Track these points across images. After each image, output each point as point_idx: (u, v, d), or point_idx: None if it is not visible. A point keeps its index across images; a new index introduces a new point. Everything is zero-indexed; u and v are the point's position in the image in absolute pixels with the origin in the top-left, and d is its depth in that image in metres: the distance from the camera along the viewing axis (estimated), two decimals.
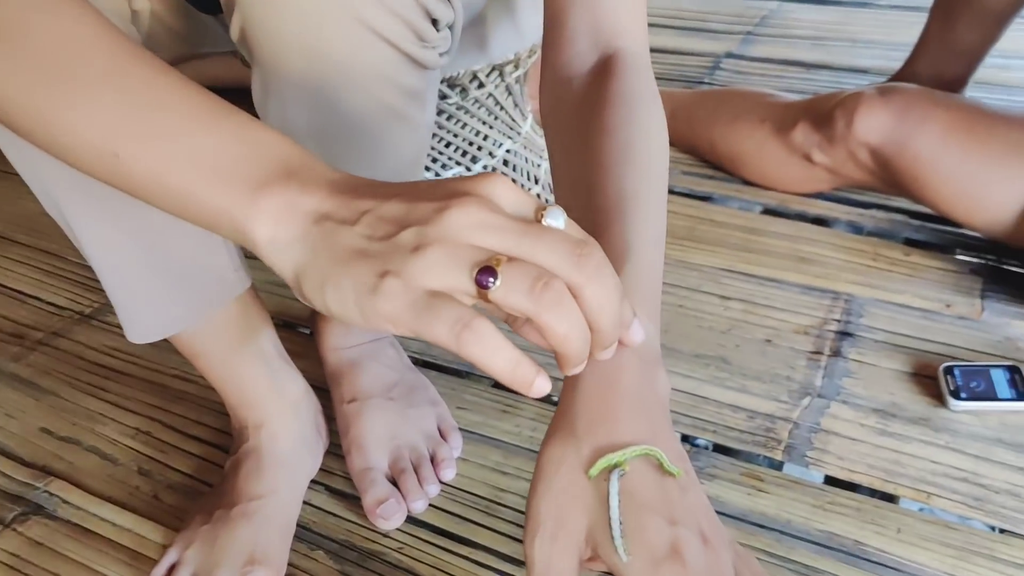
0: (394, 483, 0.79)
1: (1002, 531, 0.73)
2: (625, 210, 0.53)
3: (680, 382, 0.89)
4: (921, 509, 0.75)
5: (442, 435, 0.83)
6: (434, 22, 0.60)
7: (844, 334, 0.94)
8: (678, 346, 0.94)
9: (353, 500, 0.80)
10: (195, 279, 0.69)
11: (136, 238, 0.64)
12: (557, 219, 0.40)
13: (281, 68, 0.57)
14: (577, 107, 0.60)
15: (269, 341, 0.78)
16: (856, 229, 1.11)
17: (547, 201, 1.12)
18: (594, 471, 0.44)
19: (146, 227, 0.64)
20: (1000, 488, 0.76)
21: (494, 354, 0.37)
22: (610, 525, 0.43)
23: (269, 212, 0.40)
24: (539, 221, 0.40)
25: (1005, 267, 1.02)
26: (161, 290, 0.68)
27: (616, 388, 0.47)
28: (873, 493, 0.77)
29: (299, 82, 0.57)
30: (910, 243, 1.08)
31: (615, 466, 0.44)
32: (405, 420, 0.82)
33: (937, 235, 1.09)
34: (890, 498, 0.76)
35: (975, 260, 1.04)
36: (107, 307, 1.03)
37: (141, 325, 0.69)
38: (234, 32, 0.57)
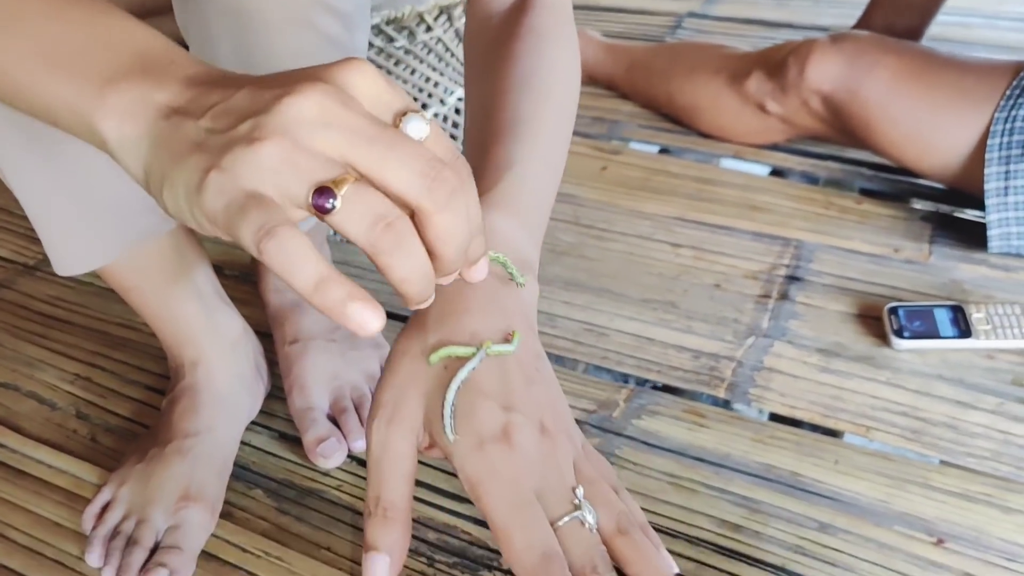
0: (335, 423, 0.78)
1: (941, 462, 0.73)
2: (516, 131, 0.53)
3: (626, 324, 0.89)
4: (860, 442, 0.75)
5: None
6: None
7: (792, 278, 0.94)
8: (627, 291, 0.93)
9: (294, 441, 0.79)
10: (121, 211, 0.68)
11: (58, 168, 0.62)
12: (419, 128, 0.35)
13: None
14: (491, 40, 0.61)
15: (205, 278, 0.77)
16: (810, 179, 1.11)
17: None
18: (434, 358, 0.44)
19: (67, 157, 0.62)
20: (938, 421, 0.76)
21: (296, 267, 0.32)
22: (443, 406, 0.43)
23: (117, 108, 0.37)
24: (396, 126, 0.36)
25: (956, 215, 1.02)
26: (86, 222, 0.67)
27: (473, 287, 0.46)
28: (814, 428, 0.77)
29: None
30: (863, 192, 1.08)
31: (460, 358, 0.44)
32: (347, 361, 0.81)
33: (890, 184, 1.09)
34: (830, 432, 0.76)
35: (927, 208, 1.04)
36: None
37: (67, 258, 0.68)
38: None
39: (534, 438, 0.43)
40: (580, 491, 0.44)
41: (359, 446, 0.76)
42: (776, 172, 1.12)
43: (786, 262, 0.96)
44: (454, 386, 0.43)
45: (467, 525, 0.71)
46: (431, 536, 0.71)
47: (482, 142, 0.53)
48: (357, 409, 0.79)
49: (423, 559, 0.69)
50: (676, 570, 0.44)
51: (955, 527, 0.68)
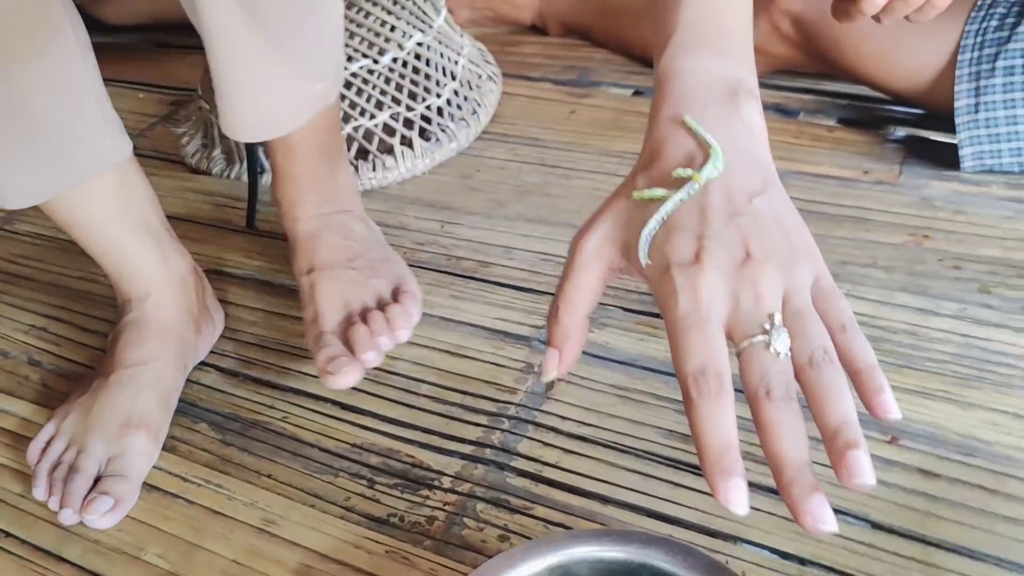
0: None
1: (899, 366, 0.70)
2: None
3: None
4: None
5: (396, 298, 0.77)
6: None
7: None
8: None
9: (244, 377, 0.78)
10: (63, 144, 0.67)
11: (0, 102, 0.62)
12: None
13: None
14: None
15: (153, 214, 0.76)
16: (783, 112, 1.08)
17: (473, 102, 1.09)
18: (636, 194, 0.44)
19: (8, 89, 0.62)
20: (898, 329, 0.73)
21: None
22: (641, 235, 0.43)
23: None
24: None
25: (930, 138, 0.99)
26: (28, 155, 0.66)
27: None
28: None
29: None
30: (837, 121, 1.05)
31: (662, 199, 0.43)
32: (362, 287, 0.77)
33: (864, 112, 1.05)
34: None
35: (900, 134, 1.01)
36: (13, 216, 1.01)
37: (10, 193, 0.68)
38: None
39: (728, 262, 0.41)
40: (778, 317, 0.40)
41: (369, 358, 0.70)
42: None
43: None
44: (658, 215, 0.43)
45: (410, 448, 0.70)
46: (373, 460, 0.69)
47: None
48: (365, 323, 0.73)
49: (364, 481, 0.68)
50: (893, 415, 0.40)
51: (911, 424, 0.65)
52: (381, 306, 0.75)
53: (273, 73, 0.70)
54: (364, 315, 0.74)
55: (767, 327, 0.40)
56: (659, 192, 0.44)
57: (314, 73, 0.72)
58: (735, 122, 0.46)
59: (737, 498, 0.37)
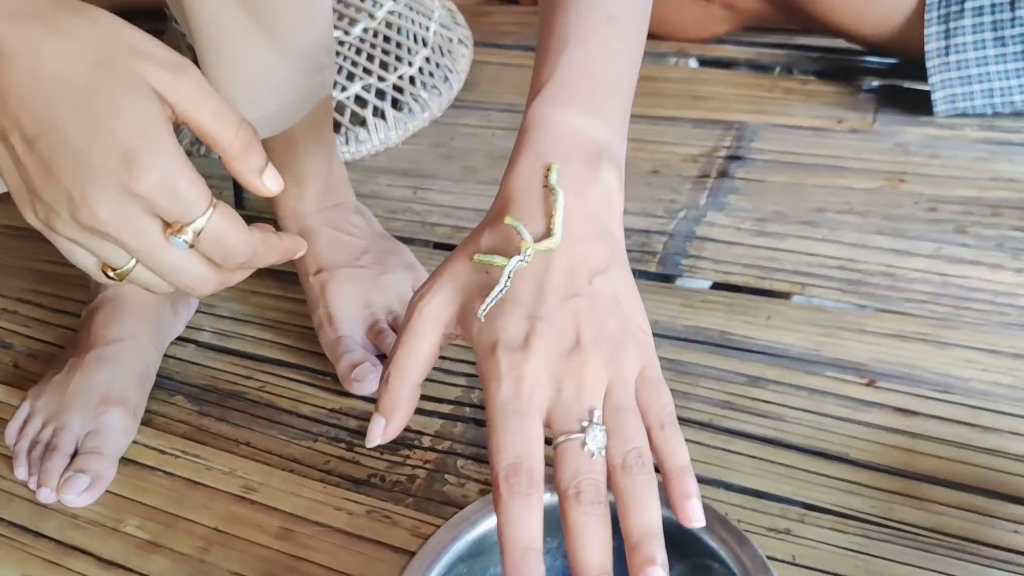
0: (374, 351, 0.73)
1: (876, 309, 0.70)
2: (573, 6, 0.49)
3: None
4: (796, 300, 0.72)
5: None
6: None
7: (733, 158, 0.91)
8: None
9: (220, 350, 0.77)
10: None
11: None
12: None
13: None
14: None
15: None
16: (756, 67, 1.07)
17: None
18: (477, 258, 0.43)
19: None
20: (875, 271, 0.73)
21: None
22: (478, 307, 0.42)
23: None
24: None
25: (904, 86, 0.98)
26: None
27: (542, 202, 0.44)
28: (749, 292, 0.74)
29: None
30: (810, 74, 1.04)
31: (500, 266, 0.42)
32: (378, 287, 0.75)
33: (837, 64, 1.05)
34: (763, 293, 0.73)
35: (873, 84, 1.00)
36: None
37: None
38: None
39: (558, 350, 0.41)
40: (597, 414, 0.40)
41: None
42: (721, 63, 1.09)
43: (727, 144, 0.93)
44: (494, 292, 0.42)
45: None
46: (351, 424, 0.69)
47: (539, 35, 0.49)
48: (394, 331, 0.73)
49: (342, 445, 0.67)
50: (698, 523, 0.39)
51: (887, 366, 0.65)
52: (403, 306, 0.73)
53: (273, 67, 0.66)
54: (388, 318, 0.73)
55: (584, 424, 0.40)
56: (498, 260, 0.42)
57: (312, 63, 0.70)
58: (592, 187, 0.44)
59: None
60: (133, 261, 0.42)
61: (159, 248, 0.41)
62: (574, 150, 0.45)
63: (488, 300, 0.42)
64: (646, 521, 0.38)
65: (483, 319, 0.42)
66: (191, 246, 0.41)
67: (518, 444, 0.40)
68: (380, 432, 0.44)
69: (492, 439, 0.40)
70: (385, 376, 0.45)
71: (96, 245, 0.41)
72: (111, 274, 0.43)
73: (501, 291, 0.42)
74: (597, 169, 0.45)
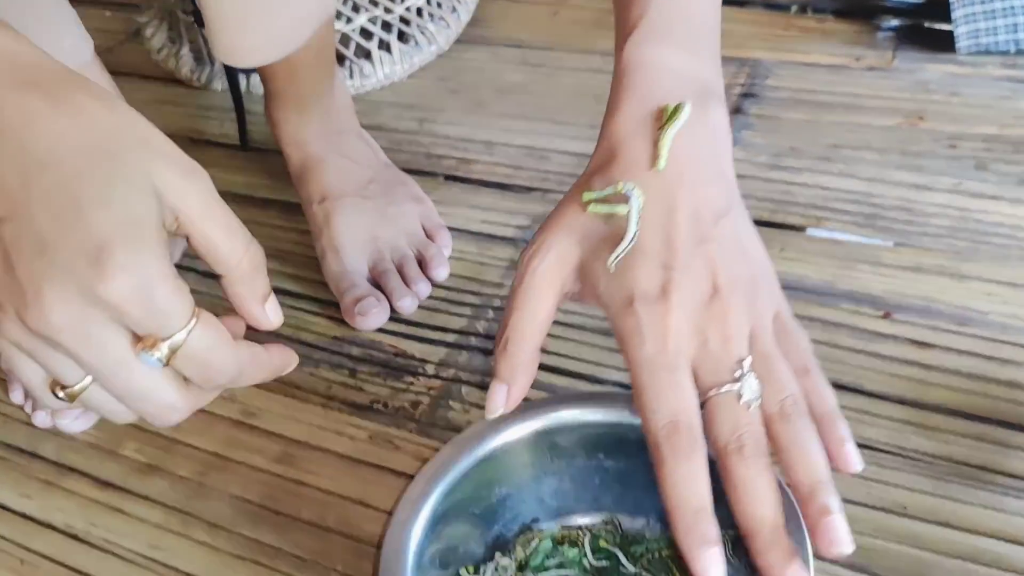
0: (376, 286, 0.71)
1: (895, 244, 0.68)
2: None
3: (568, 145, 0.84)
4: (811, 232, 0.71)
5: (428, 234, 0.75)
6: None
7: (747, 95, 0.89)
8: (572, 119, 0.88)
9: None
10: None
11: None
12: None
13: None
14: None
15: None
16: (772, 6, 1.05)
17: None
18: (592, 209, 0.41)
19: None
20: (892, 205, 0.71)
21: None
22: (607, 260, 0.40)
23: None
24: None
25: (926, 26, 0.96)
26: None
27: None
28: (762, 225, 0.72)
29: None
30: (827, 13, 1.01)
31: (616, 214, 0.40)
32: (385, 219, 0.73)
33: (856, 4, 1.02)
34: (776, 226, 0.72)
35: (894, 23, 0.97)
36: None
37: None
38: None
39: (697, 299, 0.39)
40: (747, 363, 0.38)
41: (406, 304, 0.69)
42: (736, 2, 1.06)
43: (741, 81, 0.91)
44: (626, 241, 0.39)
45: (392, 339, 0.68)
46: (354, 351, 0.68)
47: None
48: (399, 270, 0.71)
49: (345, 371, 0.66)
50: (856, 466, 0.38)
51: (904, 298, 0.63)
52: (410, 242, 0.73)
53: None
54: (394, 256, 0.72)
55: (737, 374, 0.38)
56: (620, 209, 0.40)
57: None
58: (702, 129, 0.42)
59: (715, 569, 0.35)
60: (88, 379, 0.35)
61: (121, 366, 0.34)
62: (680, 90, 0.43)
63: (620, 249, 0.39)
64: (815, 469, 0.37)
65: (613, 270, 0.40)
66: (165, 364, 0.34)
67: (672, 401, 0.38)
68: (503, 400, 0.42)
69: (643, 398, 0.38)
70: (503, 342, 0.42)
71: (44, 355, 0.34)
72: (60, 393, 0.35)
73: (633, 238, 0.39)
74: (706, 108, 0.43)
